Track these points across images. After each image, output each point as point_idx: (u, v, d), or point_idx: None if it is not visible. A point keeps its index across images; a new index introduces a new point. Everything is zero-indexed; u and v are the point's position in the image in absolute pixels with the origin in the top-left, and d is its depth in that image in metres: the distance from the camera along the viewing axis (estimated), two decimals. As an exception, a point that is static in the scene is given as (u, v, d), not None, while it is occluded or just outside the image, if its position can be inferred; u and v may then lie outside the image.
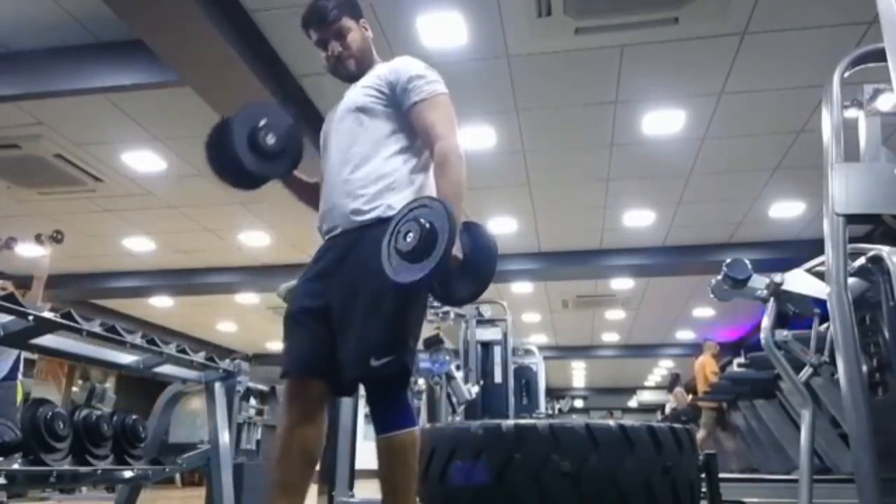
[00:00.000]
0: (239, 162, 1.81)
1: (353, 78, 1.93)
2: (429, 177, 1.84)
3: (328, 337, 1.70)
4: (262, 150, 1.83)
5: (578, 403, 20.82)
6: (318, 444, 1.73)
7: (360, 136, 1.80)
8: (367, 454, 2.66)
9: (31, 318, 1.90)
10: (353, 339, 1.65)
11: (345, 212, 1.75)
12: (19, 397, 4.96)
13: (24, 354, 4.91)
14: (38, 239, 4.67)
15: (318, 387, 1.73)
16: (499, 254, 1.75)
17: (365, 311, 1.65)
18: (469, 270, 1.60)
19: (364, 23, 1.96)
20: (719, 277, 2.30)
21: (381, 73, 1.86)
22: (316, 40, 1.91)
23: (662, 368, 17.19)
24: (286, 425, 1.70)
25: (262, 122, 1.83)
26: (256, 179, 1.91)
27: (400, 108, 1.80)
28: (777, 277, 2.14)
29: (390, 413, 1.67)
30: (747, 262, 2.25)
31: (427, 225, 1.46)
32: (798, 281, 2.11)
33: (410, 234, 1.47)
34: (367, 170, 1.77)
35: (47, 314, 1.96)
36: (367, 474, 2.73)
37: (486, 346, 5.84)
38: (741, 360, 6.92)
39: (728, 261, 2.27)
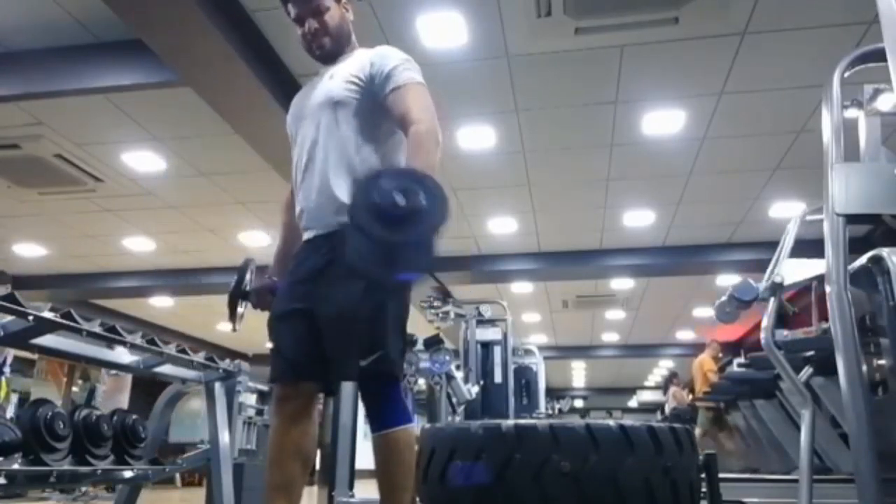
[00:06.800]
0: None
1: (326, 58, 1.90)
2: None
3: (316, 339, 1.69)
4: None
5: (578, 403, 20.82)
6: (311, 444, 1.75)
7: (339, 134, 1.77)
8: (367, 454, 2.66)
9: (31, 318, 1.90)
10: (340, 341, 1.66)
11: (326, 213, 1.74)
12: (3, 393, 4.94)
13: (24, 354, 4.91)
14: None
15: (309, 388, 1.74)
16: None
17: (346, 315, 1.64)
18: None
19: (346, 3, 1.93)
20: (723, 299, 2.27)
21: (363, 64, 1.81)
22: (293, 16, 1.89)
23: (662, 368, 17.18)
24: (279, 427, 1.71)
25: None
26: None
27: (377, 99, 1.76)
28: (777, 277, 2.14)
29: (386, 410, 1.68)
30: (752, 282, 2.23)
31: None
32: (793, 270, 2.12)
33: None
34: (347, 170, 1.74)
35: (47, 314, 1.97)
36: (368, 474, 2.73)
37: (486, 346, 5.83)
38: (741, 360, 6.91)
39: (735, 283, 2.25)
